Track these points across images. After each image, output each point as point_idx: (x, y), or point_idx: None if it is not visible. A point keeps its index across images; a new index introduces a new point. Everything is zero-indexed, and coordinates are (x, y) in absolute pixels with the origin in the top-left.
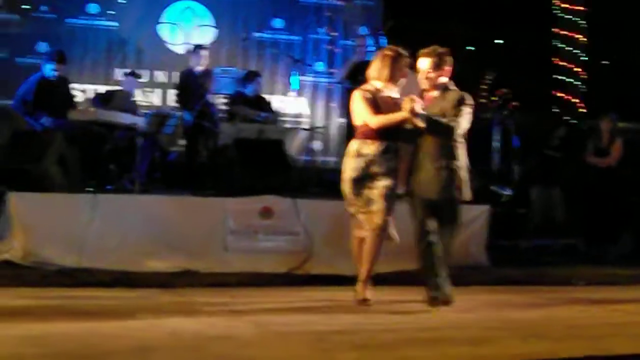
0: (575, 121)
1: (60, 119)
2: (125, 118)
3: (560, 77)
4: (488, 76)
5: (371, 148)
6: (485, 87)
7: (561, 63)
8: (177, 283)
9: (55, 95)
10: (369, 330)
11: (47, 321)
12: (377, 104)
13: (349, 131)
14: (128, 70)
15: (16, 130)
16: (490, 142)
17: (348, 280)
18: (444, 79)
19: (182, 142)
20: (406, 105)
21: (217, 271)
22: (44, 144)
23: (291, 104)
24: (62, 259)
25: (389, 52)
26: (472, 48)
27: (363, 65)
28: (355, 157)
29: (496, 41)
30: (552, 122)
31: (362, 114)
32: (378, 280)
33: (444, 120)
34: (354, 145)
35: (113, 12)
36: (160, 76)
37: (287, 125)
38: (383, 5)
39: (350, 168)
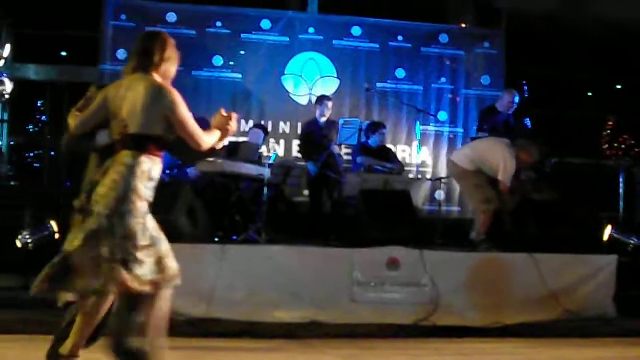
0: None
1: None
2: (251, 169)
3: None
4: (609, 122)
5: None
6: (607, 133)
7: None
8: (304, 334)
9: None
10: None
11: None
12: None
13: None
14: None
15: None
16: (617, 189)
17: (476, 332)
18: None
19: (306, 192)
20: None
21: (343, 322)
22: (173, 195)
23: (414, 153)
24: (191, 309)
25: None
26: (591, 94)
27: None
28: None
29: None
30: None
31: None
32: (509, 332)
33: None
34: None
35: (233, 64)
36: (284, 127)
37: (411, 176)
38: (505, 53)
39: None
